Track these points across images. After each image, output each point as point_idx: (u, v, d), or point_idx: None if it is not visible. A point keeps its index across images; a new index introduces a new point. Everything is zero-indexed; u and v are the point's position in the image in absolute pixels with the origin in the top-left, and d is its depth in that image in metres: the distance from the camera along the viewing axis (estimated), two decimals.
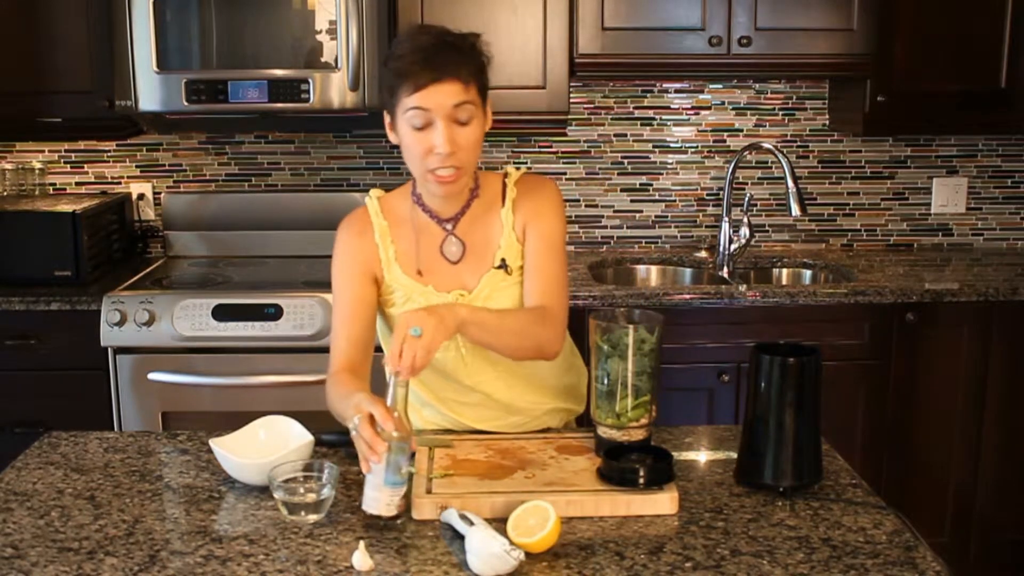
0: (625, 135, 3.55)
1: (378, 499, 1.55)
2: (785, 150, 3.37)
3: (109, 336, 2.86)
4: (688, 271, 3.46)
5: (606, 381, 1.70)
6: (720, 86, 3.53)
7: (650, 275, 3.50)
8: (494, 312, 1.81)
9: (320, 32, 2.96)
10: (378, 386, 1.70)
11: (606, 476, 1.64)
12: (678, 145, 3.56)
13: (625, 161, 3.56)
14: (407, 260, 1.90)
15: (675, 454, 1.71)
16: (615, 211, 3.59)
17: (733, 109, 3.55)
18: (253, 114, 3.17)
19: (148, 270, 3.26)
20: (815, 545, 1.50)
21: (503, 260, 1.90)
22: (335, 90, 2.97)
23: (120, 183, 3.52)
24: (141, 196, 3.52)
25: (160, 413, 2.91)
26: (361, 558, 1.43)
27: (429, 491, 1.60)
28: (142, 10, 2.93)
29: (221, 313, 2.87)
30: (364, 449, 1.54)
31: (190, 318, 2.86)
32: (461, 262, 1.90)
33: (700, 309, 2.95)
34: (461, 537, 1.46)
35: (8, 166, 3.45)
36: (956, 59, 3.18)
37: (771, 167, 3.56)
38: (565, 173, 3.55)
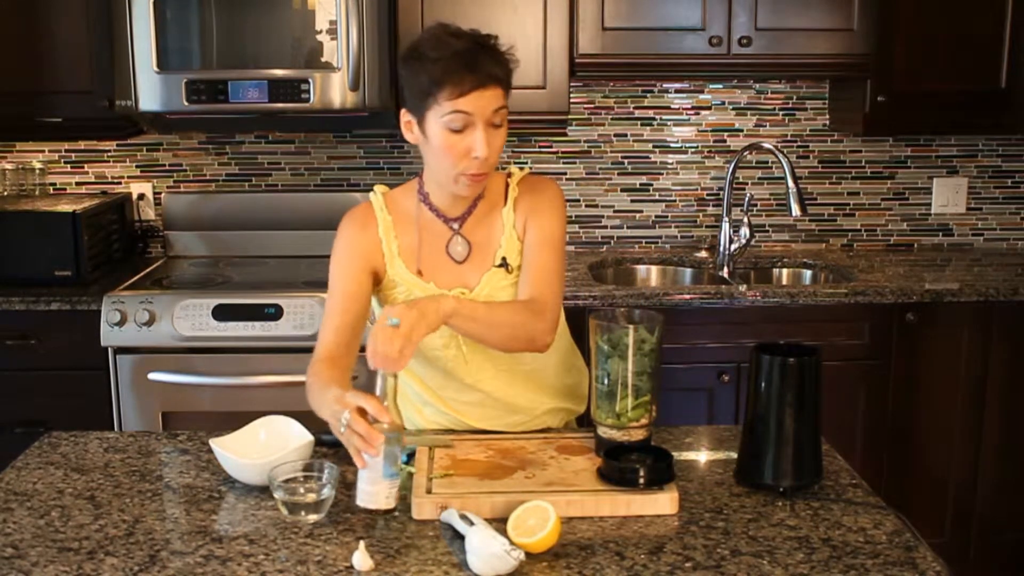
0: (625, 135, 3.55)
1: (376, 493, 1.55)
2: (785, 150, 3.37)
3: (109, 336, 2.86)
4: (688, 271, 3.46)
5: (606, 381, 1.70)
6: (720, 86, 3.53)
7: (650, 275, 3.50)
8: (484, 304, 1.81)
9: (320, 32, 2.96)
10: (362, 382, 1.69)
11: (606, 476, 1.64)
12: (678, 145, 3.56)
13: (625, 161, 3.56)
14: (409, 256, 1.90)
15: (675, 454, 1.71)
16: (615, 211, 3.59)
17: (733, 109, 3.55)
18: (253, 114, 3.17)
19: (148, 270, 3.26)
20: (815, 545, 1.50)
21: (504, 259, 1.90)
22: (335, 90, 2.97)
23: (120, 183, 3.52)
24: (141, 196, 3.52)
25: (160, 413, 2.91)
26: (361, 558, 1.43)
27: (429, 491, 1.60)
28: (142, 10, 2.93)
29: (221, 313, 2.87)
30: (359, 443, 1.54)
31: (190, 318, 2.86)
32: (466, 262, 1.91)
33: (700, 309, 2.95)
34: (461, 537, 1.46)
35: (8, 166, 3.45)
36: (956, 59, 3.18)
37: (771, 167, 3.56)
38: (565, 173, 3.55)
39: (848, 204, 3.62)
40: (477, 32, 1.81)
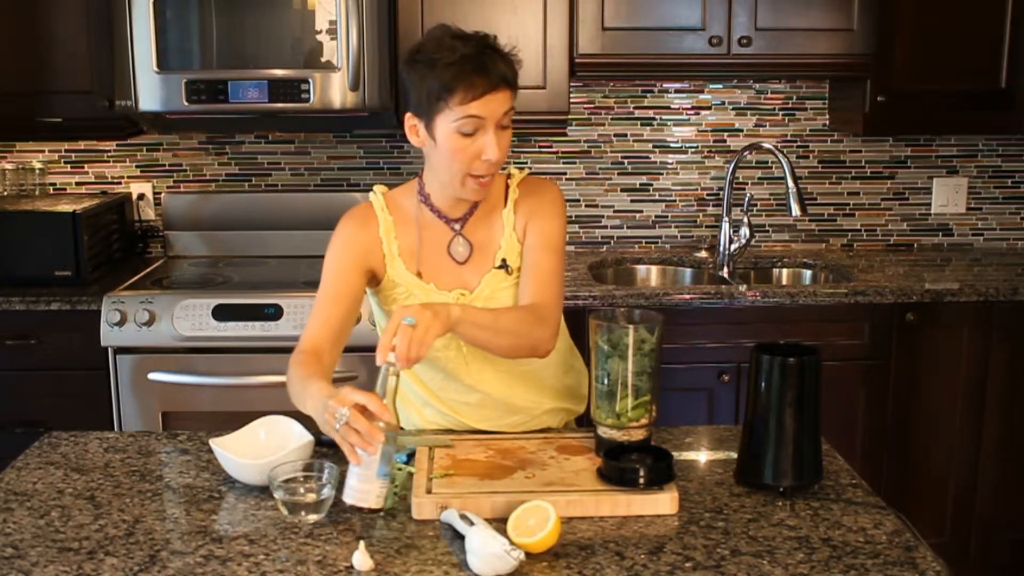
0: (625, 135, 3.55)
1: (368, 491, 1.55)
2: (785, 150, 3.37)
3: (109, 336, 2.86)
4: (688, 271, 3.46)
5: (606, 381, 1.70)
6: (720, 86, 3.53)
7: (650, 275, 3.50)
8: (488, 311, 1.81)
9: (320, 32, 2.96)
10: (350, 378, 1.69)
11: (606, 476, 1.64)
12: (678, 145, 3.56)
13: (625, 161, 3.56)
14: (409, 257, 1.90)
15: (675, 454, 1.71)
16: (615, 211, 3.59)
17: (733, 109, 3.55)
18: (253, 114, 3.17)
19: (148, 270, 3.26)
20: (815, 545, 1.50)
21: (503, 260, 1.90)
22: (335, 90, 2.97)
23: (120, 183, 3.52)
24: (141, 196, 3.52)
25: (160, 413, 2.91)
26: (361, 558, 1.43)
27: (429, 491, 1.60)
28: (142, 10, 2.93)
29: (221, 313, 2.87)
30: (357, 441, 1.54)
31: (190, 318, 2.86)
32: (466, 263, 1.91)
33: (700, 309, 2.95)
34: (461, 537, 1.46)
35: (8, 166, 3.45)
36: (956, 59, 3.18)
37: (771, 167, 3.56)
38: (565, 173, 3.55)
39: (848, 204, 3.62)
40: (480, 34, 1.80)
